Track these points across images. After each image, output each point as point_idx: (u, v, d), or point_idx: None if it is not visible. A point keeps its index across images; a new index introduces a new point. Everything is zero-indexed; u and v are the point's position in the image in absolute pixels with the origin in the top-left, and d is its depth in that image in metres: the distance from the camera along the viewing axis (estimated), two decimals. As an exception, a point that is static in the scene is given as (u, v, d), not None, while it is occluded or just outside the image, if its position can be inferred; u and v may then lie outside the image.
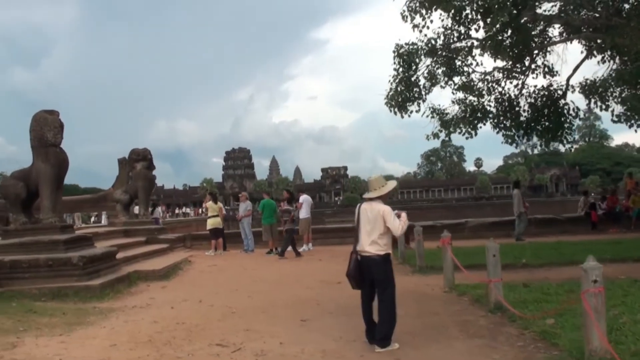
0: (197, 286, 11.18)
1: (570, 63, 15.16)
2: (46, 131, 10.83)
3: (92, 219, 41.69)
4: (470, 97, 15.32)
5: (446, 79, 15.66)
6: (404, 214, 6.26)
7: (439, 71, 15.53)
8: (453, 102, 16.37)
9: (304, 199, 16.97)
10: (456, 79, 15.81)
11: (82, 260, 10.06)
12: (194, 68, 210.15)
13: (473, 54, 15.49)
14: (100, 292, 9.79)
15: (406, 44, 14.68)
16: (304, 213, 16.56)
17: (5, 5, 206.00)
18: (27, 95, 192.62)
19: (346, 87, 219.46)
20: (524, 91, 15.47)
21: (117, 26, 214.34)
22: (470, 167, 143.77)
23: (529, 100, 15.43)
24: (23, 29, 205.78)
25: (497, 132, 15.59)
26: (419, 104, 15.37)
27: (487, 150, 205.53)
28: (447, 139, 17.80)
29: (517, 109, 15.45)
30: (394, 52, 14.97)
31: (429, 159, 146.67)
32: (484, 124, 15.53)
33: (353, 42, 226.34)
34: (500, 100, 15.48)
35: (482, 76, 15.79)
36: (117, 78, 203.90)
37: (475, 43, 15.42)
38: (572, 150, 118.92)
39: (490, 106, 15.41)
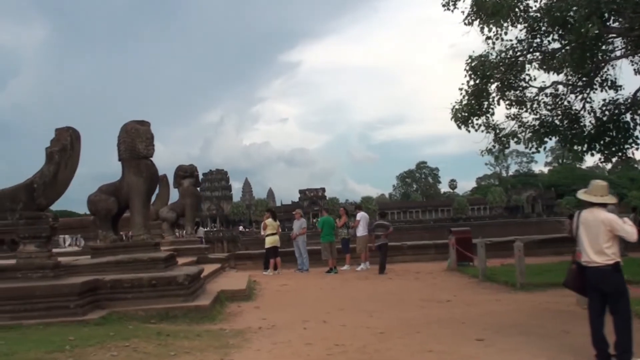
0: (293, 306, 10.59)
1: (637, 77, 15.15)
2: (138, 143, 10.20)
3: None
4: (543, 112, 15.15)
5: (499, 94, 15.52)
6: (626, 219, 5.87)
7: (492, 87, 15.39)
8: (507, 117, 16.25)
9: (362, 216, 16.49)
10: (509, 94, 15.71)
11: (187, 279, 9.42)
12: (163, 90, 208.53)
13: (527, 68, 15.43)
14: (209, 312, 9.16)
15: (479, 56, 14.50)
16: (361, 230, 16.09)
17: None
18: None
19: (316, 110, 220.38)
20: (587, 105, 15.38)
21: (86, 48, 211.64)
22: (444, 188, 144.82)
23: (593, 114, 15.32)
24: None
25: (563, 147, 15.42)
26: (486, 117, 15.17)
27: (460, 172, 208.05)
28: (500, 154, 17.69)
29: (581, 123, 15.32)
30: (466, 64, 14.75)
31: (404, 180, 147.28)
32: (550, 139, 15.38)
33: (323, 65, 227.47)
34: (564, 115, 15.34)
35: (539, 91, 15.69)
36: (84, 100, 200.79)
37: (531, 56, 15.38)
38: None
39: (556, 121, 15.26)
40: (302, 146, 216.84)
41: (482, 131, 15.98)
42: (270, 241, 16.04)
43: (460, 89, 15.14)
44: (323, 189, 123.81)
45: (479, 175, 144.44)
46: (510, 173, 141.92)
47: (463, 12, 15.31)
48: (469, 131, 15.57)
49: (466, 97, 15.03)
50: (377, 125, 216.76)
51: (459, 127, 15.39)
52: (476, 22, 15.27)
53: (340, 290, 12.42)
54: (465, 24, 15.46)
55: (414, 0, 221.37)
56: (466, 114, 15.24)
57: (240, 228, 77.85)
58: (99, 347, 6.90)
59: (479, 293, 11.26)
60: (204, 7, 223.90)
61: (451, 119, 15.30)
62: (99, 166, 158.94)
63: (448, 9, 15.59)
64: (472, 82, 14.93)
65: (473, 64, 14.65)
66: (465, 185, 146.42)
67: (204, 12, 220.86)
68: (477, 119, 15.23)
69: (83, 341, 7.09)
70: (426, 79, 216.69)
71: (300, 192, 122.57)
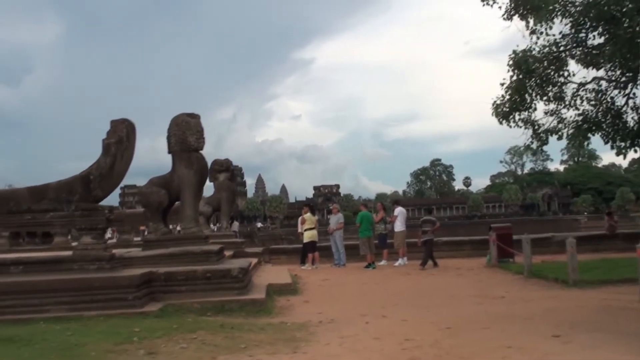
0: (342, 301, 10.50)
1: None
2: (188, 135, 10.15)
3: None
4: (585, 107, 14.96)
5: (539, 89, 15.34)
6: None
7: (531, 82, 15.20)
8: (546, 113, 16.06)
9: (399, 211, 16.37)
10: (548, 90, 15.52)
11: (241, 272, 9.35)
12: (176, 87, 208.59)
13: (569, 64, 15.24)
14: (265, 306, 9.08)
15: (522, 51, 14.32)
16: (399, 226, 15.97)
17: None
18: (6, 112, 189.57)
19: (329, 106, 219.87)
20: (630, 102, 15.16)
21: (99, 45, 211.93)
22: (458, 185, 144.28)
23: (636, 110, 15.11)
24: (5, 48, 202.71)
25: (606, 143, 15.22)
26: (528, 113, 15.01)
27: (474, 169, 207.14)
28: (538, 150, 17.51)
29: (623, 119, 15.12)
30: (509, 58, 14.58)
31: (418, 177, 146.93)
32: (593, 135, 15.18)
33: (336, 62, 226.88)
34: (607, 110, 15.14)
35: (580, 86, 15.50)
36: (99, 95, 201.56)
37: (574, 52, 15.17)
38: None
39: (598, 117, 15.07)
40: (314, 143, 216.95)
41: (521, 127, 15.84)
42: (308, 235, 15.95)
43: (502, 84, 14.99)
44: (337, 186, 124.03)
45: (493, 173, 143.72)
46: (526, 171, 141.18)
47: (500, 7, 15.19)
48: (511, 126, 15.43)
49: (508, 92, 14.84)
50: (390, 122, 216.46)
51: (500, 123, 15.26)
52: (516, 17, 15.14)
53: (385, 286, 12.30)
54: (504, 19, 15.32)
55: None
56: (507, 109, 15.09)
57: (259, 224, 77.99)
58: (166, 339, 6.83)
59: (530, 290, 11.09)
60: (217, 4, 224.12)
61: (492, 114, 15.14)
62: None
63: (487, 4, 15.43)
64: (515, 77, 14.76)
65: (516, 59, 14.47)
66: (479, 183, 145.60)
67: (216, 9, 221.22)
68: (519, 114, 15.07)
69: (149, 333, 7.02)
70: (439, 76, 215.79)
71: (315, 188, 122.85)
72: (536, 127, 15.90)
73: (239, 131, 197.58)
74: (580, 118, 14.99)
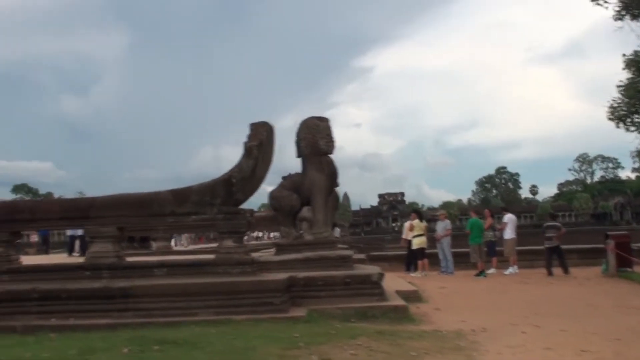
0: (475, 309, 10.11)
1: None
2: (319, 139, 10.06)
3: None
4: None
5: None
6: None
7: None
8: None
9: (509, 218, 15.88)
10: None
11: (380, 277, 9.14)
12: (238, 95, 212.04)
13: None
14: (407, 313, 8.83)
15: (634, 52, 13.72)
16: (509, 233, 15.47)
17: (56, 36, 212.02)
18: (75, 122, 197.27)
19: (390, 114, 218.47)
20: None
21: (164, 55, 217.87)
22: (524, 194, 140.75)
23: None
24: (72, 58, 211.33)
25: None
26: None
27: (539, 177, 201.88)
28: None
29: None
30: (625, 59, 13.96)
31: (483, 185, 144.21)
32: None
33: (396, 70, 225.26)
34: None
35: None
36: (164, 104, 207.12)
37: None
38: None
39: None
40: (375, 151, 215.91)
41: (633, 130, 15.14)
42: (417, 242, 15.67)
43: (619, 86, 14.37)
44: (402, 194, 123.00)
45: (560, 181, 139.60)
46: (595, 179, 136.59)
47: (607, 7, 14.61)
48: (628, 130, 14.76)
49: (626, 94, 14.21)
50: (451, 129, 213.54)
51: (617, 126, 14.63)
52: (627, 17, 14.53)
53: (510, 294, 11.86)
54: (614, 19, 14.75)
55: (488, 3, 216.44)
56: (625, 112, 14.45)
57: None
58: (331, 345, 6.68)
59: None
60: (279, 14, 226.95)
61: (608, 118, 14.54)
62: (178, 167, 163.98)
63: (598, 4, 14.86)
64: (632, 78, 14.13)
65: (634, 59, 13.85)
66: (545, 191, 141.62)
67: (277, 19, 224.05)
68: (638, 117, 14.41)
69: (310, 338, 6.89)
70: (501, 83, 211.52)
71: (379, 196, 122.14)
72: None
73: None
74: None
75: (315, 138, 10.01)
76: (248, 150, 8.81)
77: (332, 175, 10.12)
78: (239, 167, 8.81)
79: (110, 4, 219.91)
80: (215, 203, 8.74)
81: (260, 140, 8.87)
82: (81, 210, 8.92)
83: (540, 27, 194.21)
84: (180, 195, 8.83)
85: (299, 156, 10.23)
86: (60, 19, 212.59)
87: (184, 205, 8.77)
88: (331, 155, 10.26)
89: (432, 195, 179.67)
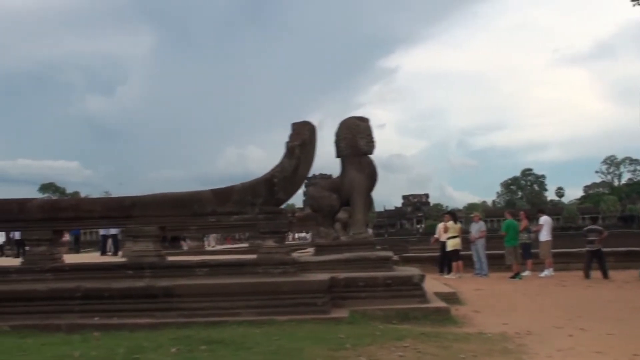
0: (515, 311, 10.00)
1: None
2: (359, 139, 10.04)
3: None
4: None
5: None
6: None
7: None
8: None
9: (545, 220, 15.70)
10: None
11: (421, 279, 9.07)
12: (264, 95, 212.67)
13: None
14: (448, 314, 8.75)
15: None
16: (545, 235, 15.28)
17: (84, 36, 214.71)
18: (101, 121, 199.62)
19: (414, 115, 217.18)
20: None
21: (190, 55, 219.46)
22: (551, 196, 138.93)
23: None
24: (100, 58, 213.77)
25: None
26: None
27: (565, 179, 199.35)
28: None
29: None
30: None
31: (509, 187, 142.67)
32: None
33: (421, 71, 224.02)
34: None
35: None
36: (189, 105, 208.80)
37: None
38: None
39: None
40: (399, 152, 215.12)
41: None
42: (452, 244, 15.57)
43: None
44: (427, 195, 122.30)
45: (587, 184, 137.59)
46: (623, 181, 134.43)
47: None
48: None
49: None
50: (476, 131, 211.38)
51: None
52: None
53: (549, 297, 11.69)
54: None
55: (514, 5, 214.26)
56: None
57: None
58: (377, 346, 6.63)
59: None
60: (303, 14, 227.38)
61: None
62: (203, 167, 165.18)
63: (638, 4, 14.68)
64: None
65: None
66: (571, 194, 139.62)
67: (302, 19, 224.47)
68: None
69: (356, 340, 6.84)
70: (526, 84, 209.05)
71: (404, 197, 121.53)
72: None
73: (325, 139, 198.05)
74: None
75: (356, 138, 9.99)
76: (290, 150, 8.78)
77: (372, 175, 10.09)
78: (280, 166, 8.79)
79: (137, 4, 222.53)
80: (257, 203, 8.72)
81: (303, 139, 8.85)
82: (124, 209, 8.95)
83: (568, 28, 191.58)
84: (222, 195, 8.84)
85: (338, 156, 10.20)
86: (88, 19, 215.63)
87: (225, 205, 8.77)
88: (371, 156, 10.19)
89: (457, 197, 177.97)
